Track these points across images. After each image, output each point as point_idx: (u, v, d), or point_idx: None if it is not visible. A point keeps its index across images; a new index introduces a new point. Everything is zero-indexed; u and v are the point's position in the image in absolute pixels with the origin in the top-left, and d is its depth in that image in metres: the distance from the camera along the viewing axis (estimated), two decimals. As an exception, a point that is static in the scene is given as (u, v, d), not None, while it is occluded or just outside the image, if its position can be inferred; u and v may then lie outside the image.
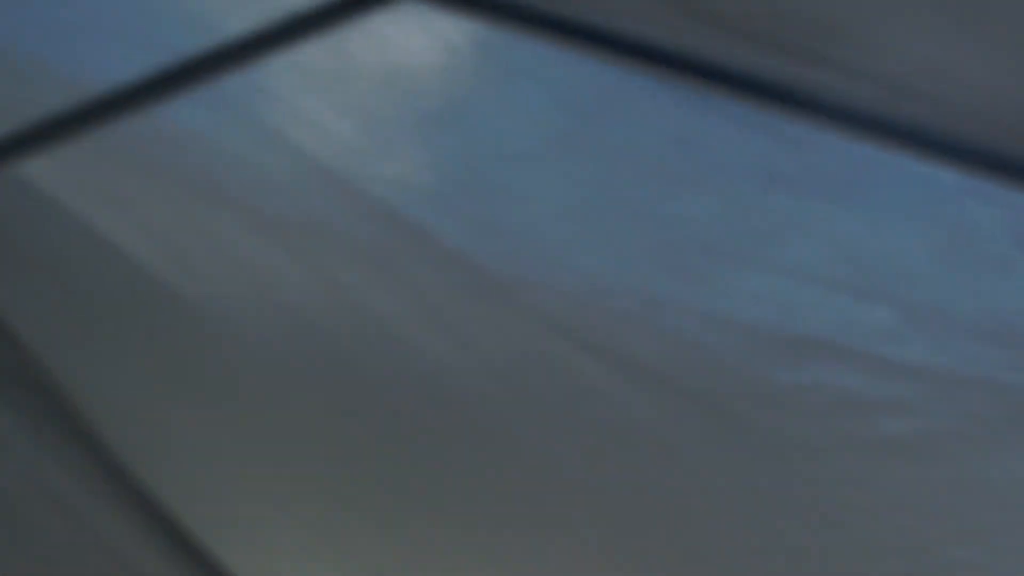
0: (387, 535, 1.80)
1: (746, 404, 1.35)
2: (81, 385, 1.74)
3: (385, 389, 1.50)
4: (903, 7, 0.97)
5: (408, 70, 1.23)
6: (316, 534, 1.88)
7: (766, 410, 1.35)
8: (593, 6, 1.13)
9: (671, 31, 1.10)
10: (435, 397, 1.48)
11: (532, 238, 1.27)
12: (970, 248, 1.16)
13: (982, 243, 1.16)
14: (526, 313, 1.33)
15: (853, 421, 1.30)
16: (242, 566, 2.08)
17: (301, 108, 1.27)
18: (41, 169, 1.36)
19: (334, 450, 1.68)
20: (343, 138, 1.28)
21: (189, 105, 1.29)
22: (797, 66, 1.07)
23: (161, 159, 1.35)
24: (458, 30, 1.19)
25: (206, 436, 1.76)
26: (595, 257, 1.26)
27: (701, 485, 1.45)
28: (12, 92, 1.33)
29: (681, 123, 1.15)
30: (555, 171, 1.22)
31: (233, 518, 1.95)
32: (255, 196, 1.35)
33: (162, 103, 1.23)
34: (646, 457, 1.41)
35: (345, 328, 1.45)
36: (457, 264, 1.32)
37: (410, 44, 1.21)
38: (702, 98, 1.13)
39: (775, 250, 1.20)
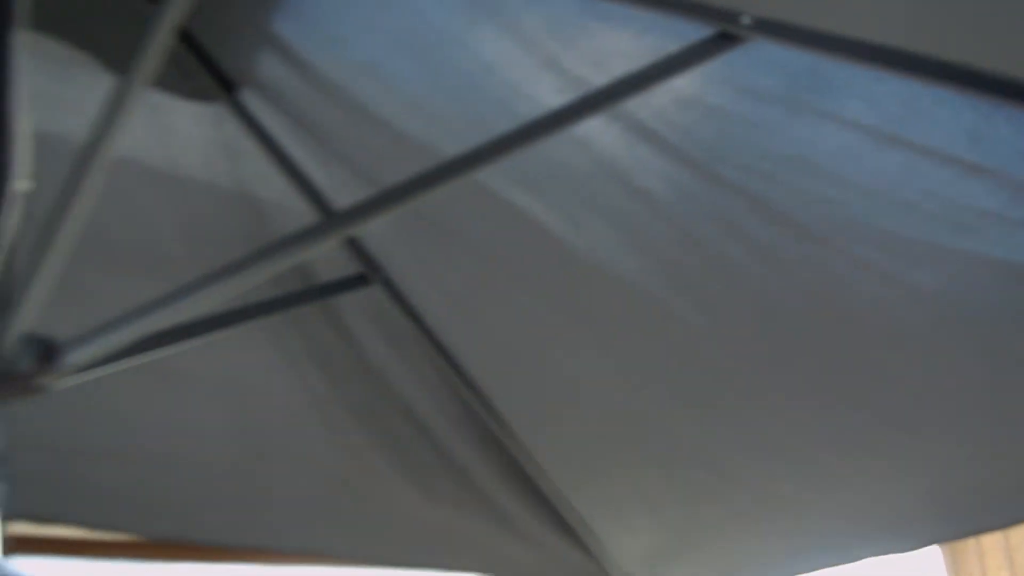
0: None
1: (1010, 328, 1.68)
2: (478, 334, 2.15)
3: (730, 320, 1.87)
4: None
5: (753, 92, 1.53)
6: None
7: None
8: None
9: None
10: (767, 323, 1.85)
11: (844, 206, 1.59)
12: None
13: None
14: (839, 255, 1.67)
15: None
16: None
17: (673, 121, 1.60)
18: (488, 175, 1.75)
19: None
20: (701, 137, 1.61)
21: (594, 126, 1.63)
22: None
23: (563, 165, 1.72)
24: (794, 58, 1.46)
25: (577, 364, 2.11)
26: (895, 220, 1.58)
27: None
28: (476, 114, 1.70)
29: (972, 123, 1.42)
30: (868, 158, 1.52)
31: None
32: (625, 195, 1.73)
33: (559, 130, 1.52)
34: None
35: (704, 271, 1.81)
36: (786, 224, 1.66)
37: (757, 71, 1.50)
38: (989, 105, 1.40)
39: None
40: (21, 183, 1.29)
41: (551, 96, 1.61)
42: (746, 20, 1.42)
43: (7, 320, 1.19)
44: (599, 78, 1.55)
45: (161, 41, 1.03)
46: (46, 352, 1.22)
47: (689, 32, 1.47)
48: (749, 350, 1.94)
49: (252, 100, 1.83)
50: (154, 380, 1.95)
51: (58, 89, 1.72)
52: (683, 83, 1.54)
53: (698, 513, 2.40)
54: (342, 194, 1.92)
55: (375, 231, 2.02)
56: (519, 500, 2.45)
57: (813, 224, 1.66)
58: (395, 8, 1.60)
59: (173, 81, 1.76)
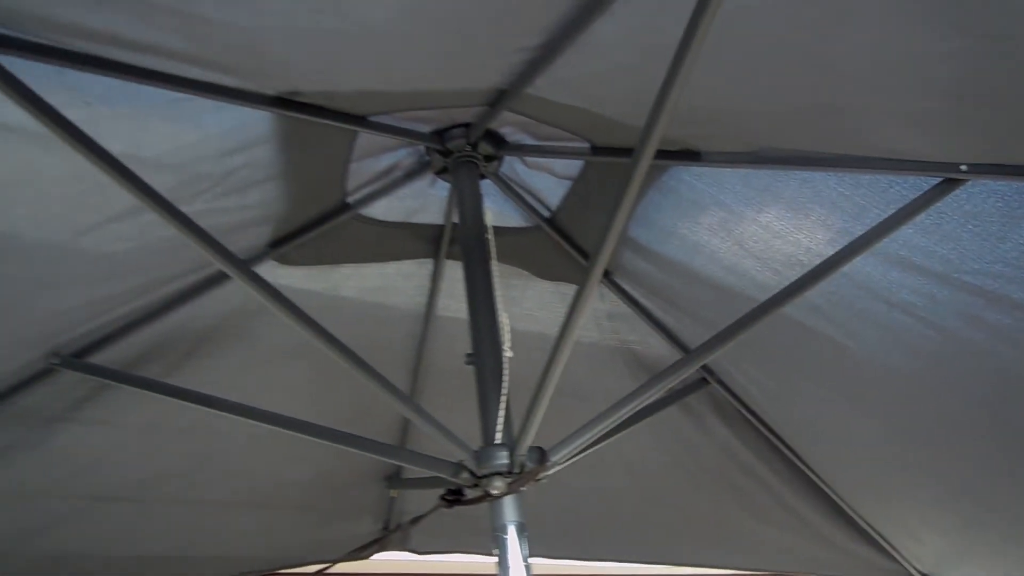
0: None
1: None
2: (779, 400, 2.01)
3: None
4: None
5: (976, 214, 1.39)
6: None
7: None
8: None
9: None
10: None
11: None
12: None
13: None
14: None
15: None
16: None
17: (917, 246, 1.48)
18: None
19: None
20: (941, 254, 1.47)
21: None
22: None
23: (836, 291, 1.60)
24: (1005, 185, 1.33)
25: (857, 427, 1.93)
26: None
27: None
28: (773, 266, 1.62)
29: None
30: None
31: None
32: (885, 308, 1.59)
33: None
34: None
35: (953, 355, 1.60)
36: (1021, 309, 1.48)
37: (977, 199, 1.37)
38: None
39: None
40: (507, 353, 1.39)
41: (824, 247, 1.55)
42: (964, 167, 1.33)
43: (522, 440, 1.25)
44: (858, 227, 1.48)
45: (600, 267, 1.09)
46: (541, 456, 1.27)
47: (920, 182, 1.39)
48: (994, 411, 1.70)
49: (622, 280, 1.88)
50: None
51: (510, 293, 1.84)
52: (922, 216, 1.42)
53: (968, 532, 2.11)
54: (689, 334, 1.91)
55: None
56: (831, 523, 2.28)
57: (995, 286, 1.46)
58: (723, 209, 1.58)
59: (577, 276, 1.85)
